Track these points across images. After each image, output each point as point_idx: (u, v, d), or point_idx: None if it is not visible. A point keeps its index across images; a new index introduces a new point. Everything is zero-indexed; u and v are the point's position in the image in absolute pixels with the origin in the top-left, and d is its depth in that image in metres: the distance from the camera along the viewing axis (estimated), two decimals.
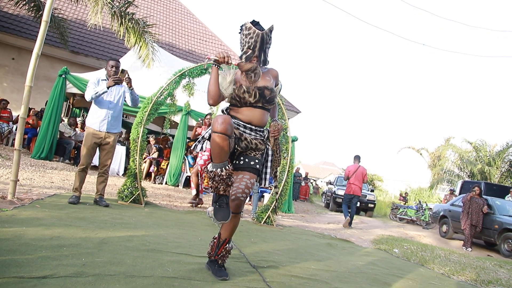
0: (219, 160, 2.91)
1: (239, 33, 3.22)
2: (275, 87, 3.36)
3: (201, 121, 8.09)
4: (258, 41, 3.11)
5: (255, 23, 3.15)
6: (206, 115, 8.12)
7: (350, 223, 10.77)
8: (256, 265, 3.87)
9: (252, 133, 3.20)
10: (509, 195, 13.63)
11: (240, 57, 3.24)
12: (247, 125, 3.17)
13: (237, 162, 3.24)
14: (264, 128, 3.32)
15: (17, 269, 2.54)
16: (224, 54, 3.11)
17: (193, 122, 10.22)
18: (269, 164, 3.44)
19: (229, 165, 2.98)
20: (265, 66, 3.34)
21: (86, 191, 6.53)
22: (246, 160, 3.22)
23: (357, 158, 11.45)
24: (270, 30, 3.15)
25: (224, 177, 2.91)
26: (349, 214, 10.86)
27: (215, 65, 3.13)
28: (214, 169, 2.92)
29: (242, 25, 3.19)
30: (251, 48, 3.14)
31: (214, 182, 2.93)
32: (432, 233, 13.53)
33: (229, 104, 3.27)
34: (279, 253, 4.79)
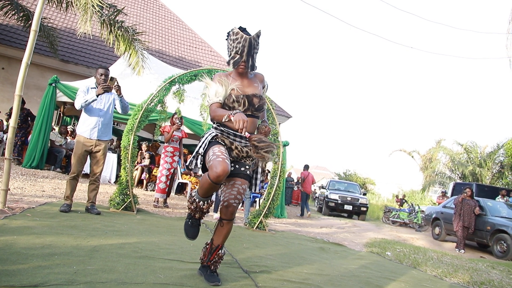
0: (204, 196, 3.12)
1: (226, 39, 3.23)
2: (262, 88, 3.38)
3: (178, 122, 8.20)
4: (246, 46, 3.09)
5: (242, 29, 3.15)
6: (173, 114, 8.29)
7: (302, 214, 14.32)
8: (249, 270, 3.87)
9: (243, 141, 3.21)
10: (499, 196, 13.72)
11: (228, 63, 3.24)
12: (237, 133, 3.16)
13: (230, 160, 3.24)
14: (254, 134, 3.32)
15: (8, 278, 2.53)
16: (242, 125, 2.82)
17: (184, 129, 10.20)
18: (259, 170, 3.45)
19: (210, 200, 3.18)
20: (251, 72, 3.34)
21: (78, 199, 6.50)
22: (237, 166, 3.24)
23: (306, 167, 15.58)
24: (258, 35, 3.15)
25: (204, 210, 3.18)
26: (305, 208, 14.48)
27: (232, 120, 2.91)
28: (197, 200, 3.14)
29: (229, 31, 3.20)
30: (238, 53, 3.13)
31: (193, 208, 3.18)
32: (425, 235, 13.57)
33: None
34: (272, 258, 4.80)
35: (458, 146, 27.60)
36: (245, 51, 3.12)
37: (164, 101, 7.20)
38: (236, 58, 3.16)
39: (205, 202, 3.14)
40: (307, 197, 15.01)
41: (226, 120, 2.94)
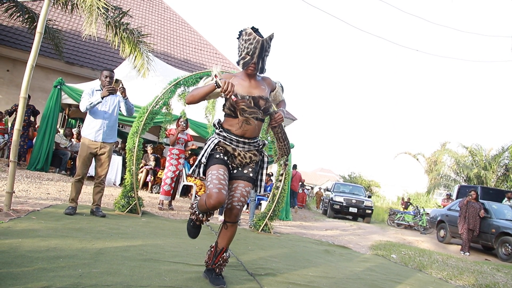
0: (204, 212, 3.17)
1: (238, 38, 3.18)
2: (271, 93, 3.36)
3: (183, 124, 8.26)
4: (258, 48, 3.05)
5: (254, 29, 3.11)
6: (179, 117, 8.39)
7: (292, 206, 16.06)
8: (254, 273, 3.86)
9: (246, 146, 3.21)
10: (506, 199, 13.65)
11: (238, 63, 3.20)
12: (240, 139, 3.16)
13: (231, 171, 3.24)
14: (258, 138, 3.31)
15: (13, 281, 2.53)
16: (230, 87, 2.95)
17: (189, 131, 10.22)
18: (264, 171, 3.43)
19: (209, 213, 3.20)
20: (260, 75, 3.30)
21: (83, 202, 6.51)
22: (239, 169, 3.24)
23: (294, 166, 17.28)
24: (270, 38, 3.11)
25: (204, 221, 3.24)
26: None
27: (215, 84, 3.04)
28: (197, 212, 3.20)
29: (242, 30, 3.15)
30: (249, 54, 3.08)
31: (193, 218, 3.24)
32: (430, 238, 13.52)
33: (224, 114, 3.25)
34: (277, 261, 4.79)
35: (463, 149, 27.52)
36: (256, 53, 3.07)
37: (169, 103, 7.20)
38: (246, 59, 3.11)
39: (205, 214, 3.18)
40: (294, 194, 17.32)
41: (212, 82, 3.01)
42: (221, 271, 3.29)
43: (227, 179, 3.10)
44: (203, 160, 3.17)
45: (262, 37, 3.07)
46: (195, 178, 11.92)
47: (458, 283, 5.62)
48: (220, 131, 3.23)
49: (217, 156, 3.16)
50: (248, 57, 3.10)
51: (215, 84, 3.03)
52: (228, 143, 3.19)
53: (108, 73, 5.64)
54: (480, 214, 10.51)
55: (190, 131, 10.13)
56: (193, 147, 8.92)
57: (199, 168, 3.22)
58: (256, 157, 3.28)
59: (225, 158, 3.19)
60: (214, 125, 3.32)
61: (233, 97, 2.98)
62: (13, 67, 14.47)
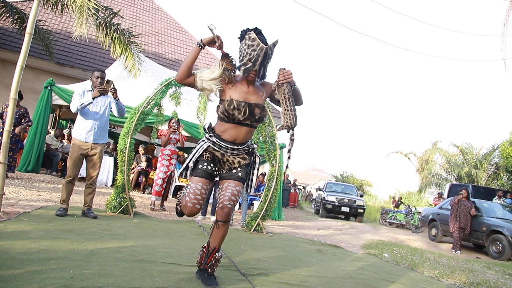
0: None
1: (240, 39, 3.09)
2: (273, 92, 3.25)
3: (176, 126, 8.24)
4: (261, 56, 2.97)
5: (257, 32, 3.02)
6: (170, 118, 8.38)
7: None
8: (246, 273, 3.86)
9: (235, 152, 3.19)
10: (496, 197, 13.75)
11: (238, 68, 3.11)
12: (229, 145, 3.14)
13: (221, 171, 3.27)
14: (249, 141, 3.31)
15: (4, 284, 2.51)
16: (221, 42, 3.02)
17: (182, 132, 10.20)
18: (255, 171, 3.44)
19: None
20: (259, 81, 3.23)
21: (74, 203, 6.47)
22: (228, 169, 3.24)
23: None
24: (274, 45, 3.02)
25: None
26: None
27: (199, 45, 3.07)
28: (181, 204, 3.34)
29: (245, 32, 3.05)
30: (251, 61, 3.00)
31: (179, 208, 3.55)
32: (422, 236, 13.59)
33: (216, 117, 3.22)
34: (269, 261, 4.79)
35: (454, 147, 27.68)
36: (258, 61, 2.99)
37: (161, 104, 7.19)
38: (248, 66, 3.02)
39: None
40: None
41: (211, 29, 2.97)
42: (213, 271, 3.28)
43: (206, 193, 3.18)
44: (191, 164, 3.20)
45: (266, 42, 3.01)
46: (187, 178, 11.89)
47: (449, 282, 5.65)
48: (210, 136, 3.19)
49: (200, 166, 3.19)
50: (250, 64, 3.02)
51: (198, 45, 3.08)
52: (217, 149, 3.18)
53: (99, 74, 5.61)
54: (471, 213, 10.57)
55: (183, 132, 10.12)
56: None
57: (187, 171, 3.27)
58: (245, 160, 3.27)
59: (211, 166, 3.19)
60: (204, 129, 3.29)
61: (223, 50, 3.06)
62: (2, 68, 14.35)
